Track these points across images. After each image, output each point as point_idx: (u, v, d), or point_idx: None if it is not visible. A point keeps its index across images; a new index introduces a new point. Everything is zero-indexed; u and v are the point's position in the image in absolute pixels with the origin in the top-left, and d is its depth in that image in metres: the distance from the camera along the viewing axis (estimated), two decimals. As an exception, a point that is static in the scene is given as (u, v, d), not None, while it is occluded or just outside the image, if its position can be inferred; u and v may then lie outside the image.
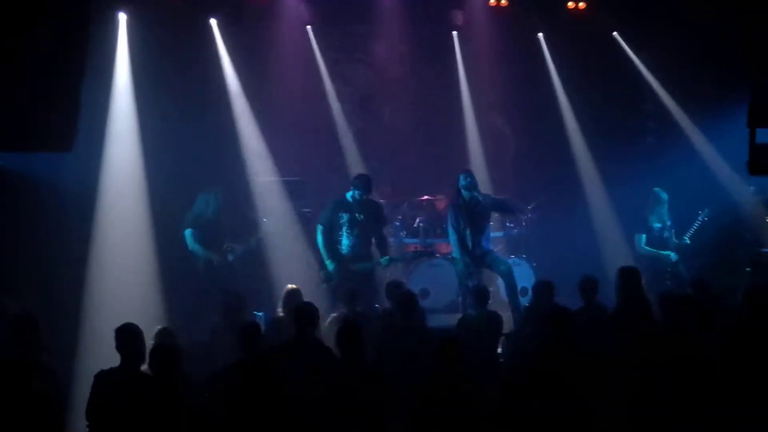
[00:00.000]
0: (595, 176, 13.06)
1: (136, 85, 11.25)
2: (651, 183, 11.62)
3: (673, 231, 11.01)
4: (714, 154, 12.30)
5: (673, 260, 10.78)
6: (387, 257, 10.21)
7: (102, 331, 8.72)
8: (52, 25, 6.20)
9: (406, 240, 12.23)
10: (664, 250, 10.87)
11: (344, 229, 9.95)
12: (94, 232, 10.49)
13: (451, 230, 10.25)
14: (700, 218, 10.83)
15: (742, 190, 11.72)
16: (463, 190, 10.15)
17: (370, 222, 10.06)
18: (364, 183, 10.02)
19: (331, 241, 9.96)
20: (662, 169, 11.99)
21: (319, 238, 10.00)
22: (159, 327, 7.70)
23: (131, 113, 11.18)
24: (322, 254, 9.98)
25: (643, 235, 10.97)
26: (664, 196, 10.99)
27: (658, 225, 10.98)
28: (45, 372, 6.34)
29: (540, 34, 13.31)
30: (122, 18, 11.25)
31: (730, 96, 11.08)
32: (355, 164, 12.69)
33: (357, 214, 9.96)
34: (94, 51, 9.14)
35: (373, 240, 10.15)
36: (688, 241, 10.86)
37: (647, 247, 10.91)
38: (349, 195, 10.02)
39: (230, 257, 10.27)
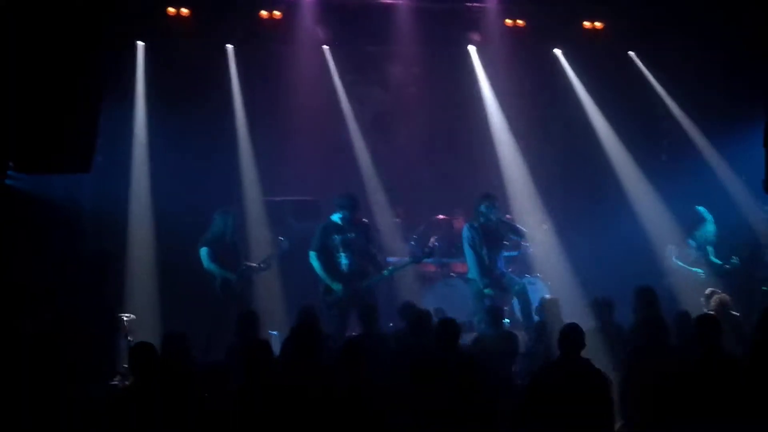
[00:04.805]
0: (614, 193, 13.01)
1: (154, 109, 11.38)
2: (666, 201, 11.57)
3: (710, 249, 10.98)
4: (730, 173, 12.24)
5: (703, 278, 10.71)
6: (389, 269, 10.28)
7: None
8: (68, 51, 6.29)
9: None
10: (693, 267, 10.88)
11: (340, 250, 9.98)
12: (110, 252, 10.57)
13: (468, 250, 10.25)
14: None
15: (758, 209, 11.66)
16: (481, 216, 10.19)
17: (362, 239, 10.09)
18: (350, 203, 10.06)
19: (330, 264, 9.95)
20: (677, 187, 11.97)
21: (317, 264, 9.95)
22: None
23: (147, 135, 11.33)
24: (324, 279, 9.93)
25: (675, 248, 11.02)
26: (708, 216, 11.00)
27: (692, 242, 10.99)
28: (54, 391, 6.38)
29: (557, 50, 13.30)
30: (140, 46, 11.52)
31: (747, 116, 11.06)
32: (370, 184, 12.71)
33: (349, 234, 10.01)
34: (115, 77, 9.32)
35: (368, 258, 10.13)
36: (737, 262, 10.79)
37: (678, 261, 10.94)
38: (336, 217, 10.05)
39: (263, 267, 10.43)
